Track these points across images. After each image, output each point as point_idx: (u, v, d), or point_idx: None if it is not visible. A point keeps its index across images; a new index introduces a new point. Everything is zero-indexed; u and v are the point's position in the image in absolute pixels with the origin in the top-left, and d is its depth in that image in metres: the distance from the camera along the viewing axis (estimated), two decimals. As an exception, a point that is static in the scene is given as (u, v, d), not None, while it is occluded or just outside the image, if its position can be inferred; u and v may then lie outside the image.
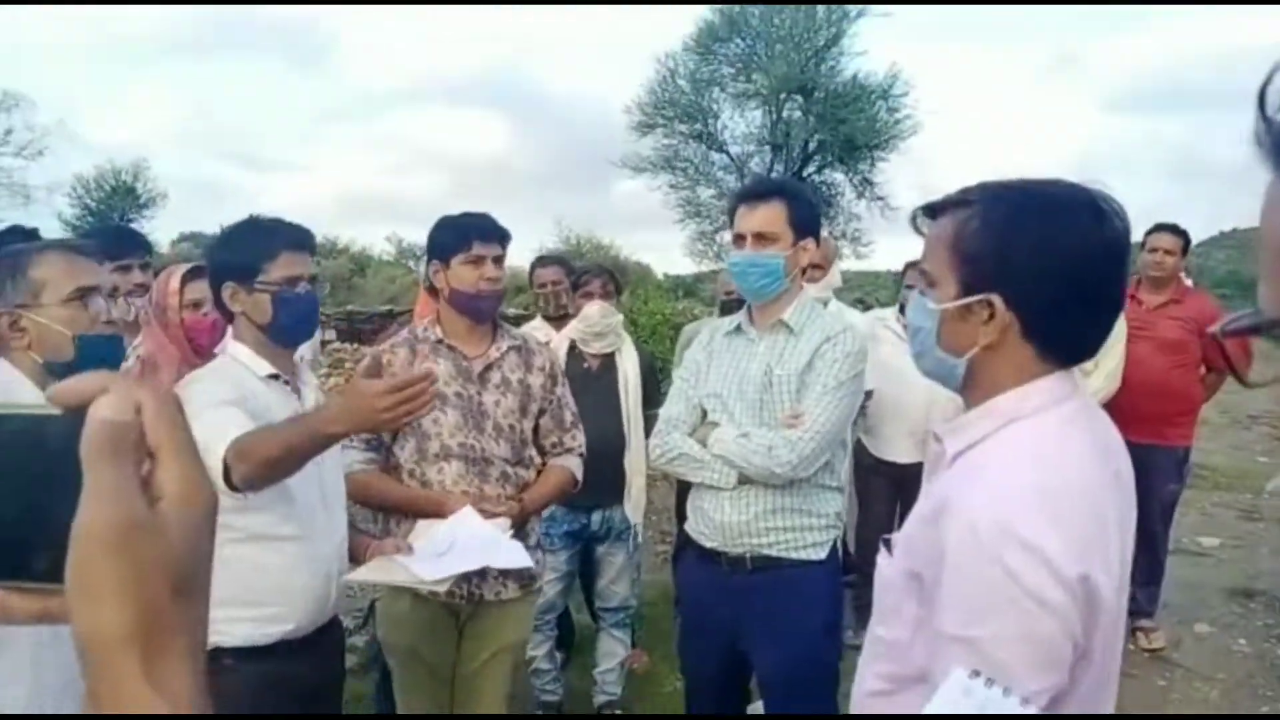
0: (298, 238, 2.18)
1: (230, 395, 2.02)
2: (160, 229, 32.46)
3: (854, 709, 1.45)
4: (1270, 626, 4.81)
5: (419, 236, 25.94)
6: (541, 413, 2.73)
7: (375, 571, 2.32)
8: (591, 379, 3.62)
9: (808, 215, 2.51)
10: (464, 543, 2.34)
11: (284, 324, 2.15)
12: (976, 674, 1.09)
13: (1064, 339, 1.30)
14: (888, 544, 1.41)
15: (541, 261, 4.12)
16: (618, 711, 3.82)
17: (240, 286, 2.13)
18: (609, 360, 3.69)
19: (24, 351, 1.76)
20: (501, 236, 2.62)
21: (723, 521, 2.44)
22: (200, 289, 2.54)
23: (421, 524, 2.45)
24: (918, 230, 1.41)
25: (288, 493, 2.07)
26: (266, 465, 1.88)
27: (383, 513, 2.65)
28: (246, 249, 2.14)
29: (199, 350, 2.56)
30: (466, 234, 2.57)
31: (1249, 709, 3.92)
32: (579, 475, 2.80)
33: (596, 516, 3.62)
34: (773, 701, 2.55)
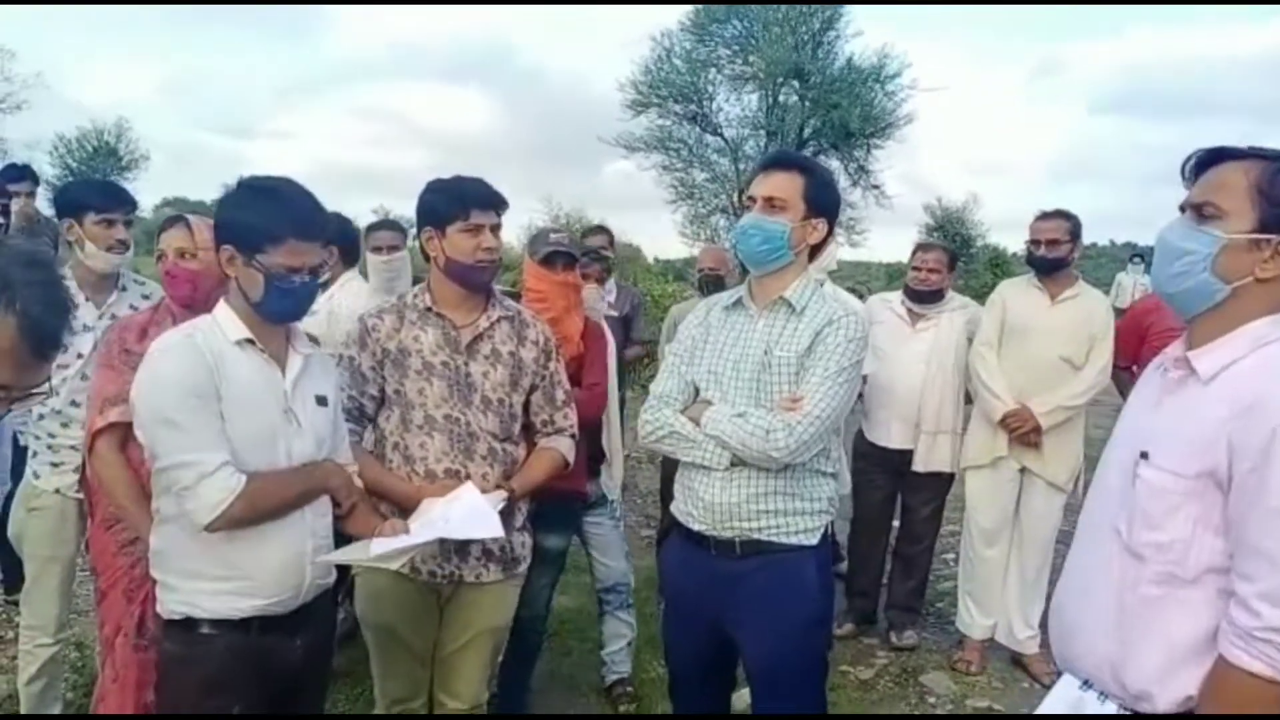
0: (310, 228, 2.06)
1: (194, 379, 1.96)
2: (142, 192, 32.01)
3: (1119, 615, 1.61)
4: None
5: (405, 210, 25.65)
6: (533, 388, 2.63)
7: (349, 552, 2.24)
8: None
9: (824, 196, 2.42)
10: (454, 520, 2.28)
11: (271, 308, 2.07)
12: (1088, 685, 1.22)
13: None
14: (1145, 455, 1.60)
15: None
16: (620, 709, 3.72)
17: (239, 254, 2.03)
18: None
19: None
20: (499, 205, 2.52)
21: (713, 502, 2.36)
22: (172, 239, 2.48)
23: (425, 503, 2.37)
24: (1186, 176, 1.65)
25: (252, 468, 2.01)
26: (268, 514, 2.03)
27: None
28: (255, 222, 2.02)
29: (177, 300, 2.51)
30: (465, 202, 2.46)
31: None
32: (570, 457, 2.70)
33: (588, 486, 3.54)
34: (759, 690, 2.47)
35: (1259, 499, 1.44)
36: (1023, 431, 3.90)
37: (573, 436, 2.71)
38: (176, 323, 2.37)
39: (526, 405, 2.63)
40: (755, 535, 2.35)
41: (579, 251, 3.28)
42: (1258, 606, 1.44)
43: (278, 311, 2.09)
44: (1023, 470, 4.00)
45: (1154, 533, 1.57)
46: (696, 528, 2.41)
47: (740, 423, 2.30)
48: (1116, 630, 1.62)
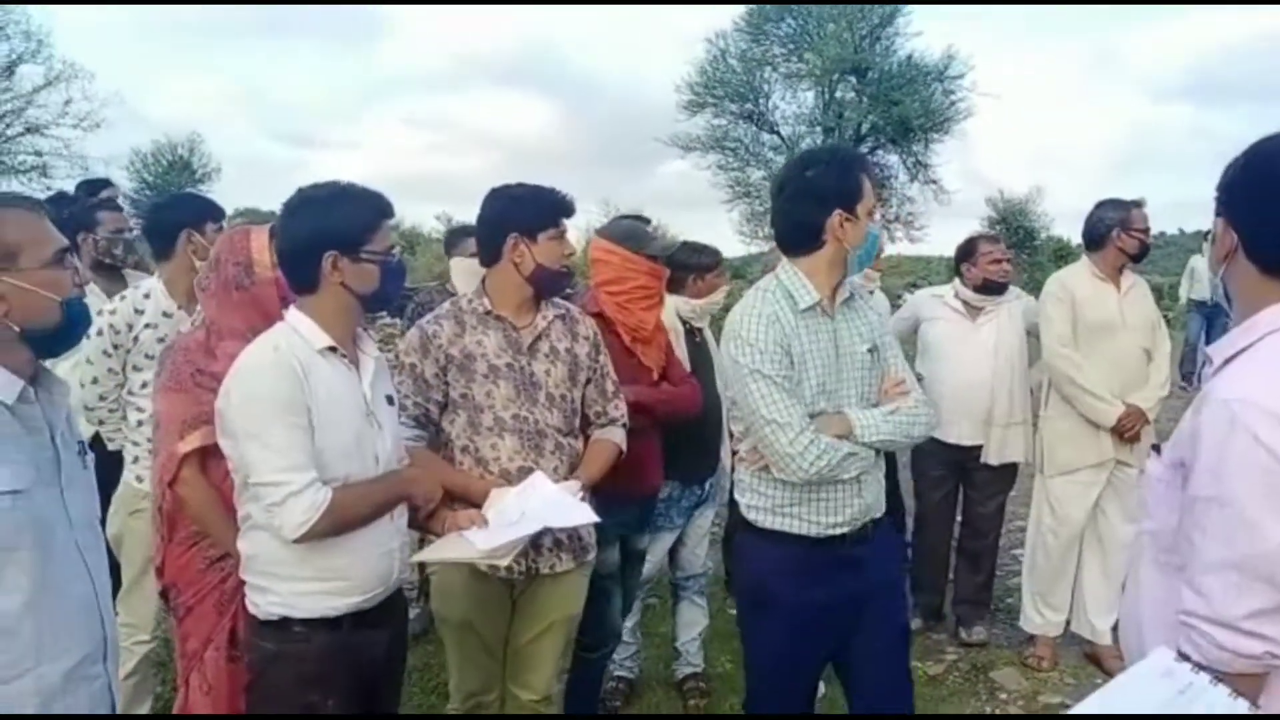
0: (388, 206, 2.20)
1: (287, 395, 2.00)
2: (216, 204, 32.91)
3: (1133, 603, 1.64)
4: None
5: (466, 215, 25.87)
6: (588, 382, 2.71)
7: (442, 549, 2.33)
8: (706, 351, 3.66)
9: None
10: (533, 509, 2.36)
11: (387, 292, 2.18)
12: (1184, 658, 1.20)
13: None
14: (1157, 449, 1.64)
15: None
16: (690, 703, 3.74)
17: (345, 255, 2.07)
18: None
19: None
20: (574, 212, 2.70)
21: (866, 504, 2.41)
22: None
23: (495, 493, 2.46)
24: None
25: (345, 472, 2.08)
26: (352, 525, 2.08)
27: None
28: (350, 218, 2.10)
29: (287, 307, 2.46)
30: (556, 212, 2.61)
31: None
32: (624, 446, 2.76)
33: (709, 483, 3.66)
34: (878, 649, 2.49)
35: (1189, 487, 1.46)
36: (1134, 431, 3.82)
37: (624, 426, 2.78)
38: (239, 340, 2.29)
39: (582, 399, 2.72)
40: (876, 514, 2.47)
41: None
42: (1185, 593, 1.44)
43: (390, 295, 2.22)
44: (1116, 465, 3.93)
45: (1148, 521, 1.61)
46: (841, 531, 2.39)
47: (897, 419, 2.37)
48: (1134, 619, 1.64)
